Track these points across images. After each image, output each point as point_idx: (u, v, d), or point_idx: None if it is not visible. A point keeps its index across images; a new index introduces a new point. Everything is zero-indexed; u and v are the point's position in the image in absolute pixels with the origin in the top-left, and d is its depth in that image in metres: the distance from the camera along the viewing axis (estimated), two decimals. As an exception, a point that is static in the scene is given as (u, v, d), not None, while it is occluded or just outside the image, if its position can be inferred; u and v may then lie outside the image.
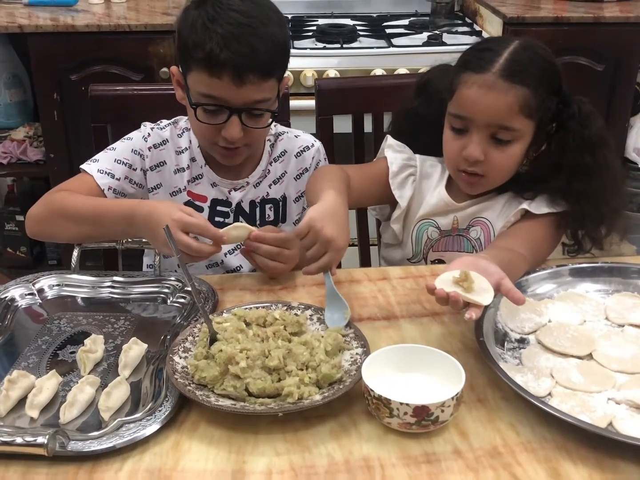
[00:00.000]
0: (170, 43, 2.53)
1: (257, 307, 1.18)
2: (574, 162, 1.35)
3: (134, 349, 1.11)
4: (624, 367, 1.09)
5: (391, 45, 2.67)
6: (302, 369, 1.03)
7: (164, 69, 2.51)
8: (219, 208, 1.50)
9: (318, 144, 1.57)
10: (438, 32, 2.77)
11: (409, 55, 2.62)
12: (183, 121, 1.51)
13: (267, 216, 1.53)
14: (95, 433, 0.95)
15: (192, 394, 0.99)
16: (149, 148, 1.47)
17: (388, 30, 2.85)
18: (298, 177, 1.54)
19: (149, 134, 1.48)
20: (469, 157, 1.34)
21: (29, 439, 0.90)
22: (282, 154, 1.53)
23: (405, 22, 2.96)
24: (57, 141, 2.67)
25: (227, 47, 1.27)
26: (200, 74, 1.31)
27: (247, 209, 1.51)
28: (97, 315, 1.24)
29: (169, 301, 1.28)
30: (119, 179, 1.43)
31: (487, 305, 1.07)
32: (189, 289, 1.25)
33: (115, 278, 1.33)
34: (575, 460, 0.92)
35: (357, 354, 1.07)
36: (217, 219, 1.49)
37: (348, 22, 2.94)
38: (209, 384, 1.02)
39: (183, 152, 1.49)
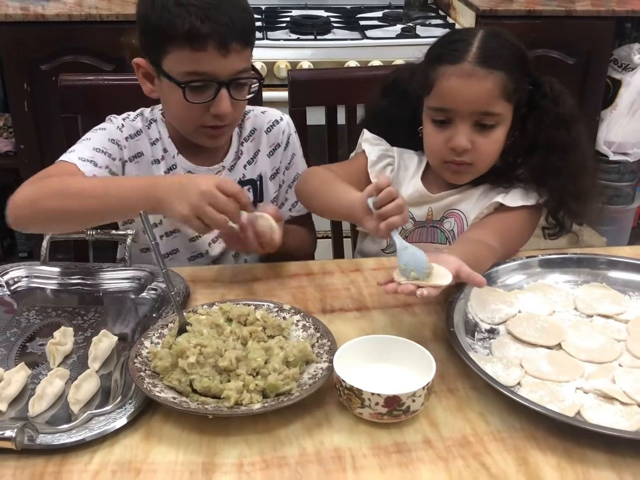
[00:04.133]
0: (143, 33, 2.51)
1: (247, 304, 1.15)
2: (550, 139, 1.37)
3: (104, 342, 1.10)
4: (592, 357, 1.10)
5: (365, 37, 2.67)
6: (252, 375, 1.00)
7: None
8: None
9: (287, 117, 1.56)
10: (412, 25, 2.78)
11: (382, 47, 2.62)
12: (147, 112, 1.48)
13: None
14: (65, 426, 0.94)
15: (139, 380, 0.98)
16: (126, 138, 1.42)
17: (362, 22, 2.85)
18: (271, 153, 1.53)
19: (122, 125, 1.43)
20: (457, 147, 1.34)
21: (-4, 432, 0.90)
22: (252, 132, 1.52)
23: (379, 14, 2.96)
24: (28, 132, 2.64)
25: (207, 17, 1.26)
26: (182, 51, 1.28)
27: None
28: (66, 307, 1.23)
29: (140, 293, 1.27)
30: (101, 167, 1.36)
31: (445, 285, 1.07)
32: (161, 280, 1.25)
33: (85, 270, 1.31)
34: (544, 449, 0.93)
35: (321, 368, 1.03)
36: None
37: (322, 13, 2.93)
38: (160, 374, 1.01)
39: (155, 143, 1.46)
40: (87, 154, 1.36)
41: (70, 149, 1.39)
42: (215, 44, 1.27)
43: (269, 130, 1.53)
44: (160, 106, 1.48)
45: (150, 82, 1.39)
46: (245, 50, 1.32)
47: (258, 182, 1.52)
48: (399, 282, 1.07)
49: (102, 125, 1.44)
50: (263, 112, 1.54)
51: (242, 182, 1.50)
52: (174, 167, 1.46)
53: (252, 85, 1.39)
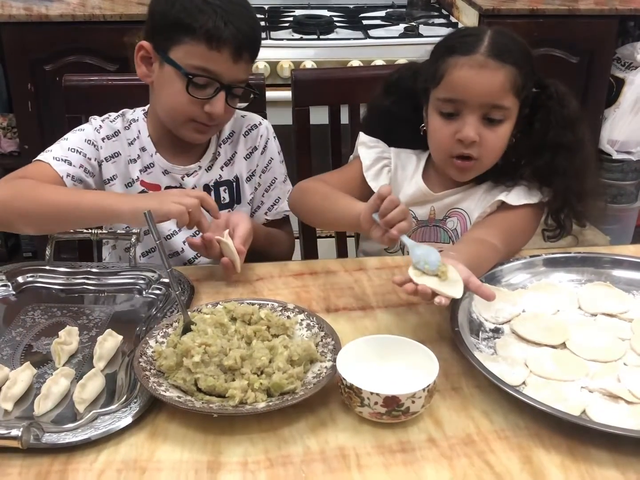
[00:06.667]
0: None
1: (251, 304, 1.15)
2: (557, 140, 1.37)
3: (109, 341, 1.10)
4: (596, 356, 1.10)
5: (368, 36, 2.67)
6: (256, 374, 1.01)
7: (140, 60, 2.49)
8: None
9: (266, 122, 1.59)
10: (414, 24, 2.78)
11: (385, 47, 2.62)
12: (129, 113, 1.50)
13: (222, 199, 1.53)
14: (70, 425, 0.94)
15: (144, 379, 0.99)
16: (102, 139, 1.45)
17: (365, 22, 2.85)
18: (248, 156, 1.55)
19: (100, 126, 1.46)
20: (466, 138, 1.34)
21: (2, 431, 0.90)
22: (230, 135, 1.54)
23: (382, 13, 2.97)
24: (32, 132, 2.64)
25: (231, 22, 1.31)
26: (197, 46, 1.32)
27: None
28: (71, 306, 1.24)
29: (144, 293, 1.28)
30: (75, 167, 1.39)
31: (457, 297, 1.07)
32: (165, 280, 1.25)
33: (90, 269, 1.32)
34: (548, 447, 0.94)
35: (325, 367, 1.03)
36: None
37: (325, 13, 2.93)
38: (165, 373, 1.02)
39: (133, 143, 1.48)
40: (61, 153, 1.40)
41: (47, 149, 1.42)
42: (231, 49, 1.32)
43: (246, 133, 1.55)
44: (142, 108, 1.50)
45: (146, 66, 1.41)
46: (251, 62, 1.39)
47: (234, 183, 1.54)
48: (416, 282, 1.06)
49: (82, 126, 1.47)
50: (243, 116, 1.57)
51: (219, 183, 1.52)
52: (152, 165, 1.48)
53: (242, 96, 1.44)
